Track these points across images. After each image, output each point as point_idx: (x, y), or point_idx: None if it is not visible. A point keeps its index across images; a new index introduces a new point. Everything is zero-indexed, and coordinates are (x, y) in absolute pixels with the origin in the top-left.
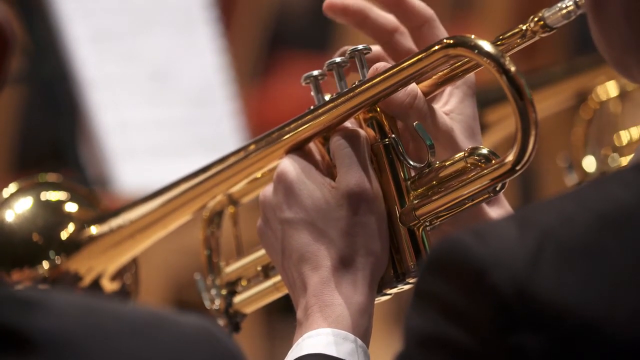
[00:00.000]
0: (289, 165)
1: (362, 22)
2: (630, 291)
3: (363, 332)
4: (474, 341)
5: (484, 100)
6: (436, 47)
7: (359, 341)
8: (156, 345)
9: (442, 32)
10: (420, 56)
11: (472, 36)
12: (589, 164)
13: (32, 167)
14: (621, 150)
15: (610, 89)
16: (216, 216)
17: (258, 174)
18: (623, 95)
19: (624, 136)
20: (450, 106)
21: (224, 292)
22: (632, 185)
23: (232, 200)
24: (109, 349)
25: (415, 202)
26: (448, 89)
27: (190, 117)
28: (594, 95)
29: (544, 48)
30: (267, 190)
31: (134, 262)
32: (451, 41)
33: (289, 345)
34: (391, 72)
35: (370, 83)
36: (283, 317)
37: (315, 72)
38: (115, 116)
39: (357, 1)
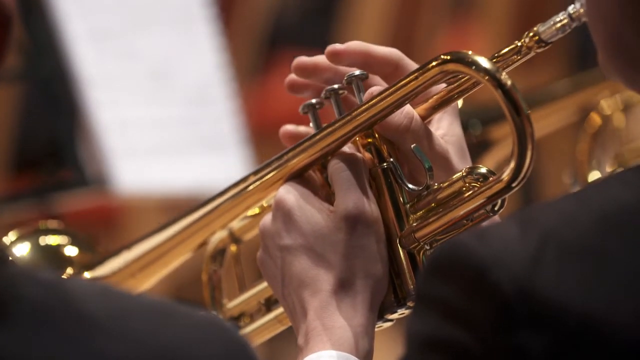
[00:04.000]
0: (287, 192)
1: (366, 61)
2: (632, 292)
3: (365, 354)
4: (476, 341)
5: (488, 117)
6: (432, 64)
7: None
8: (170, 330)
9: (414, 67)
10: (416, 74)
11: (469, 52)
12: (595, 179)
13: (31, 165)
14: (626, 165)
15: (614, 103)
16: (218, 254)
17: (257, 209)
18: (627, 109)
19: (629, 150)
20: (443, 130)
21: None
22: (633, 185)
23: (234, 238)
24: (122, 328)
25: (414, 224)
26: (437, 115)
27: (190, 115)
28: (598, 110)
29: (544, 62)
30: (267, 219)
31: None
32: (447, 57)
33: (289, 347)
34: (388, 92)
35: (367, 105)
36: None
37: (313, 101)
38: (114, 115)
39: (357, 42)
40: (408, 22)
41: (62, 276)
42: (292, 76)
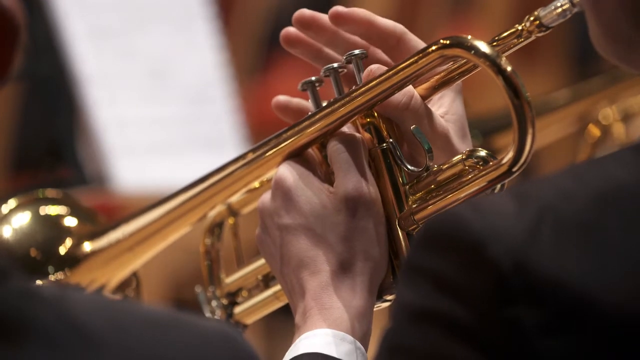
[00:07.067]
0: (286, 172)
1: (368, 31)
2: (628, 269)
3: (362, 335)
4: (469, 314)
5: (489, 128)
6: (432, 48)
7: (358, 343)
8: (174, 341)
9: (417, 43)
10: (416, 58)
11: (469, 37)
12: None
13: (30, 164)
14: None
15: (613, 113)
16: (216, 227)
17: (256, 184)
18: (626, 119)
19: None
20: (445, 108)
21: (224, 302)
22: (630, 164)
23: (232, 211)
24: (125, 343)
25: (413, 206)
26: (440, 92)
27: (189, 114)
28: (597, 120)
29: (544, 70)
30: (265, 197)
31: (135, 277)
32: (447, 42)
33: (287, 343)
34: (387, 74)
35: (366, 87)
36: (282, 315)
37: (313, 78)
38: (113, 113)
39: (362, 10)
40: (408, 21)
41: (64, 290)
42: (289, 28)
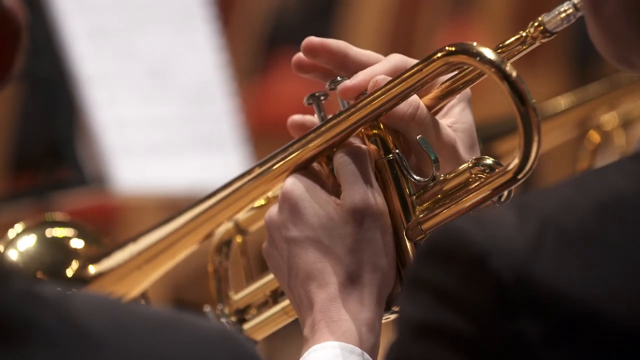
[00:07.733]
0: (293, 184)
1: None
2: (632, 279)
3: (370, 348)
4: (473, 328)
5: (489, 135)
6: (438, 55)
7: (366, 355)
8: (174, 341)
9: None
10: (420, 66)
11: (474, 43)
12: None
13: (30, 165)
14: None
15: (613, 119)
16: (224, 246)
17: (262, 200)
18: (627, 124)
19: None
20: (453, 117)
21: (233, 320)
22: (632, 174)
23: (240, 230)
24: (126, 343)
25: (420, 216)
26: (450, 102)
27: (189, 114)
28: (597, 127)
29: (543, 75)
30: (273, 210)
31: (145, 298)
32: (452, 49)
33: (288, 345)
34: (392, 84)
35: (371, 97)
36: None
37: (318, 93)
38: (113, 113)
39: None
40: (407, 22)
41: (66, 291)
42: (300, 55)
